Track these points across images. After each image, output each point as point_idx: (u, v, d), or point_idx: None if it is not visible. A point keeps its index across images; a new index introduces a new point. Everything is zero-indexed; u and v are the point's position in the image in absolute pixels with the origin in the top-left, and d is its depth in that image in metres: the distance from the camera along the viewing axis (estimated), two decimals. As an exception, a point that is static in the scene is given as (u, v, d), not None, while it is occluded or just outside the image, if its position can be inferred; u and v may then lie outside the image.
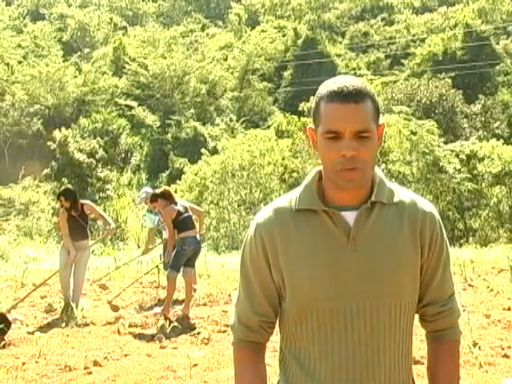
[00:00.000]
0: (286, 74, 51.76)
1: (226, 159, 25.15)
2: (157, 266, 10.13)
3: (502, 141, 27.77)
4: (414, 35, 56.29)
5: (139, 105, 44.93)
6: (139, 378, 5.61)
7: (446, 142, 27.43)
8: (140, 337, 7.28)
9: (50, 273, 9.76)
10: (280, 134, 30.04)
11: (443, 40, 50.13)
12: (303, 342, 1.78)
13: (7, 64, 47.85)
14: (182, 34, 58.60)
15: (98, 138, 36.89)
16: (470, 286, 9.78)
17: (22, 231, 22.46)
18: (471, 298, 8.74)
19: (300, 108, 38.99)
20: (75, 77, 47.11)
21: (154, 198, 8.31)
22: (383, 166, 23.15)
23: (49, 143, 34.24)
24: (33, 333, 7.30)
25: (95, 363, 6.09)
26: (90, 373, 5.86)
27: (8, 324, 7.15)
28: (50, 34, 58.85)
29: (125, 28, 62.12)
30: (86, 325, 7.81)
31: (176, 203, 8.17)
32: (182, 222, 8.06)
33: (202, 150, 30.89)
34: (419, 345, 4.75)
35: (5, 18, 60.77)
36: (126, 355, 6.45)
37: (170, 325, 7.41)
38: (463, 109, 38.66)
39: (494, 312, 7.81)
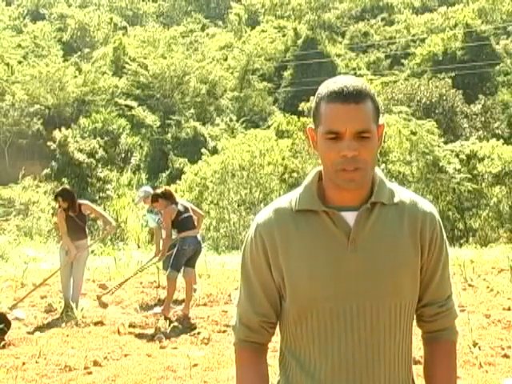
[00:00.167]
0: (286, 74, 51.79)
1: (226, 159, 25.17)
2: (157, 266, 10.12)
3: (501, 141, 27.82)
4: (414, 35, 56.33)
5: (139, 105, 44.96)
6: (139, 377, 5.61)
7: (446, 142, 27.46)
8: (140, 337, 7.28)
9: (50, 273, 9.75)
10: (280, 134, 30.07)
11: (443, 40, 50.16)
12: (303, 342, 1.78)
13: (7, 64, 47.87)
14: (182, 33, 58.64)
15: (98, 138, 36.94)
16: (470, 285, 9.77)
17: (22, 231, 22.45)
18: (471, 298, 8.73)
19: (300, 108, 39.06)
20: (75, 77, 47.14)
21: (154, 198, 8.31)
22: (383, 165, 23.18)
23: (49, 143, 34.30)
24: (33, 333, 7.30)
25: (95, 363, 6.09)
26: (89, 373, 5.86)
27: (8, 324, 7.15)
28: (50, 33, 58.88)
29: (125, 28, 62.17)
30: (86, 325, 7.81)
31: (177, 203, 8.17)
32: (181, 222, 8.06)
33: (202, 150, 30.93)
34: (419, 345, 4.74)
35: (5, 18, 60.81)
36: (126, 355, 6.45)
37: (170, 325, 7.41)
38: (463, 109, 38.69)
39: (494, 312, 7.81)
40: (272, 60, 52.90)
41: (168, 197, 8.13)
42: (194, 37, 59.17)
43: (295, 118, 30.90)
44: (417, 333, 1.85)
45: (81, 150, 33.20)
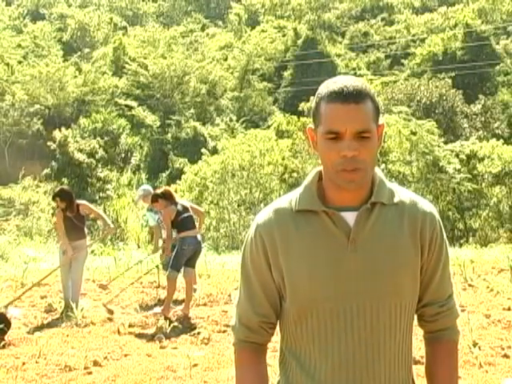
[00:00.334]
0: (286, 74, 51.79)
1: (226, 159, 25.16)
2: (157, 266, 10.13)
3: (501, 141, 27.81)
4: (414, 35, 56.32)
5: (139, 105, 44.95)
6: (139, 377, 5.61)
7: (445, 142, 27.45)
8: (140, 337, 7.28)
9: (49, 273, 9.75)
10: (280, 134, 30.06)
11: (443, 40, 50.16)
12: (303, 342, 1.78)
13: (7, 64, 47.84)
14: (182, 33, 58.64)
15: (98, 138, 36.94)
16: (469, 285, 9.76)
17: (22, 231, 22.44)
18: (471, 298, 8.73)
19: (300, 108, 39.05)
20: (75, 77, 47.13)
21: (154, 198, 8.31)
22: (383, 165, 23.17)
23: (49, 143, 34.30)
24: (33, 333, 7.30)
25: (95, 363, 6.09)
26: (90, 373, 5.86)
27: (8, 324, 7.15)
28: (50, 33, 58.87)
29: (125, 28, 62.16)
30: (86, 325, 7.80)
31: (176, 204, 8.16)
32: (181, 222, 8.06)
33: (202, 150, 30.90)
34: (419, 345, 4.74)
35: (5, 18, 60.78)
36: (126, 355, 6.45)
37: (170, 325, 7.41)
38: (463, 109, 38.68)
39: (494, 312, 7.81)
40: (272, 60, 52.89)
41: (168, 197, 8.13)
42: (194, 37, 59.18)
43: (295, 118, 30.89)
44: (417, 333, 1.85)
45: (81, 150, 33.21)
